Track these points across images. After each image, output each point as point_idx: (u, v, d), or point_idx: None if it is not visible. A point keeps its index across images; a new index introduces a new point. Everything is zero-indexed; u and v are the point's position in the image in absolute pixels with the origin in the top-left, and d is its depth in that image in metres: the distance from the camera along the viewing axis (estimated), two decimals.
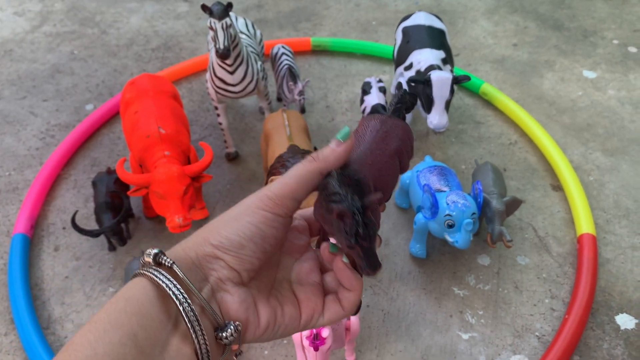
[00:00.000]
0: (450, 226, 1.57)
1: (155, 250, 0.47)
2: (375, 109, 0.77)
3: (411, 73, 1.92)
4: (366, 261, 0.51)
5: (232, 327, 0.47)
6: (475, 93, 2.35)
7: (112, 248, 1.80)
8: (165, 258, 0.46)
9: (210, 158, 1.69)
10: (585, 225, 1.77)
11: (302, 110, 2.13)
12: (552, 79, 2.44)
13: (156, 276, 0.45)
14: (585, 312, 1.56)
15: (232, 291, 0.48)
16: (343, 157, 0.50)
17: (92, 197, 1.91)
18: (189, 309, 0.45)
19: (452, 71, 1.97)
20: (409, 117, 2.09)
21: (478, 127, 2.21)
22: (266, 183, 1.55)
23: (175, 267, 0.45)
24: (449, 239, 1.59)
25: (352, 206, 0.49)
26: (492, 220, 1.65)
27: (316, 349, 1.16)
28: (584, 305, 1.56)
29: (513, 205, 1.70)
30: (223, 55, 1.72)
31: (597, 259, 1.68)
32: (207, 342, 0.45)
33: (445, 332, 1.58)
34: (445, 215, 1.57)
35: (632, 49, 2.59)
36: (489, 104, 2.31)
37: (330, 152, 0.50)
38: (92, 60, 2.65)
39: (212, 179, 2.03)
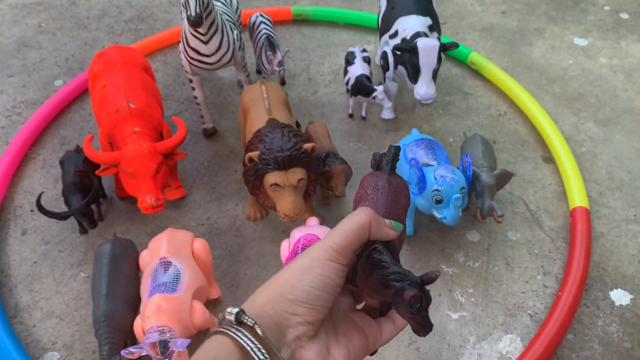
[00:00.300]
0: (439, 202, 1.49)
1: (237, 309, 0.50)
2: (374, 158, 0.77)
3: (396, 41, 1.82)
4: (423, 326, 0.58)
5: None
6: (463, 62, 2.26)
7: (83, 231, 1.70)
8: (247, 317, 0.49)
9: (183, 134, 1.59)
10: (578, 198, 1.70)
11: (282, 82, 2.02)
12: (542, 47, 2.35)
13: (240, 337, 0.48)
14: (579, 289, 1.50)
15: (307, 346, 0.51)
16: (392, 238, 0.57)
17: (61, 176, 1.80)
18: None
19: (439, 39, 1.87)
20: (393, 87, 1.99)
21: (466, 98, 2.12)
22: (244, 160, 1.46)
23: (257, 327, 0.48)
24: (437, 215, 1.52)
25: (416, 285, 0.57)
26: (481, 194, 1.57)
27: None
28: (577, 281, 1.50)
29: (503, 178, 1.62)
30: (195, 23, 1.61)
31: (590, 234, 1.62)
32: None
33: (434, 311, 1.51)
34: (433, 191, 1.49)
35: (624, 15, 2.51)
36: (477, 74, 2.22)
37: (387, 227, 0.57)
38: (61, 33, 2.50)
39: (189, 157, 1.93)
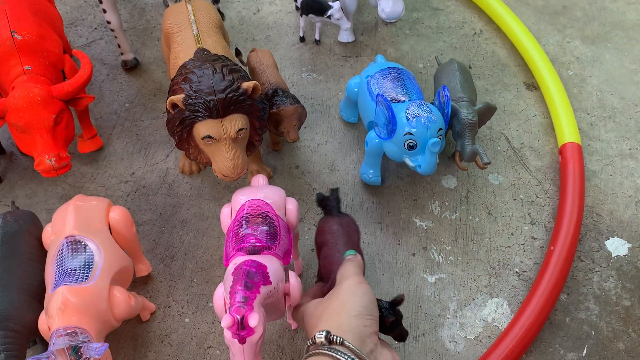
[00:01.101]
0: (412, 147, 1.23)
1: (324, 332, 0.67)
2: (318, 198, 1.16)
3: None
4: (402, 336, 0.90)
5: None
6: None
7: None
8: (335, 336, 0.65)
9: (88, 71, 1.25)
10: (567, 132, 1.47)
11: (216, 0, 1.66)
12: None
13: (337, 353, 0.63)
14: (574, 241, 1.29)
15: (383, 352, 0.71)
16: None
17: None
18: None
19: None
20: (352, 3, 1.66)
21: (436, 15, 1.81)
22: (167, 106, 1.13)
23: (347, 343, 0.64)
24: (410, 163, 1.25)
25: (390, 312, 0.87)
26: (461, 134, 1.31)
27: (242, 340, 0.83)
28: (571, 232, 1.29)
29: (487, 113, 1.36)
30: None
31: (583, 174, 1.40)
32: None
33: (408, 275, 1.29)
34: (405, 134, 1.21)
35: None
36: None
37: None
38: None
39: (106, 97, 1.58)
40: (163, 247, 1.31)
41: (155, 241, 1.32)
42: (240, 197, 1.10)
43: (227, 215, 1.12)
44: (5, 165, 1.45)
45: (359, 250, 1.09)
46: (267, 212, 1.04)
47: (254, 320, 0.81)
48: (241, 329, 0.82)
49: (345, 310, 0.69)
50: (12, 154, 1.47)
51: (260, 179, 1.16)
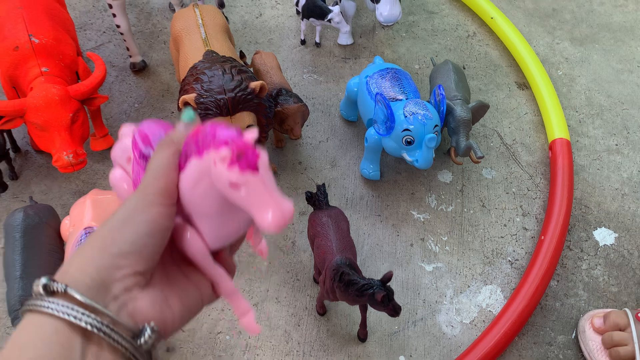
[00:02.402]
0: (409, 143, 1.30)
1: (44, 280, 0.42)
2: (307, 196, 1.25)
3: None
4: (395, 311, 1.01)
5: (147, 330, 0.44)
6: None
7: None
8: (57, 285, 0.42)
9: (102, 73, 1.32)
10: (557, 129, 1.54)
11: (221, 5, 1.73)
12: None
13: (54, 309, 0.41)
14: (563, 231, 1.36)
15: (140, 296, 0.45)
16: (189, 135, 0.49)
17: None
18: (100, 325, 0.41)
19: None
20: (351, 7, 1.73)
21: (431, 18, 1.89)
22: (178, 103, 1.20)
23: (70, 290, 0.42)
24: (408, 157, 1.33)
25: (382, 288, 1.00)
26: (456, 131, 1.38)
27: (254, 166, 0.45)
28: (561, 223, 1.36)
29: (480, 111, 1.44)
30: None
31: (572, 168, 1.47)
32: (129, 349, 0.43)
33: (406, 264, 1.36)
34: (403, 131, 1.29)
35: None
36: None
37: (180, 135, 0.50)
38: None
39: (116, 97, 1.65)
40: None
41: None
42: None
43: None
44: (20, 163, 1.51)
45: (348, 239, 1.17)
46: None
47: (251, 134, 0.47)
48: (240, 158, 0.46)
49: (104, 242, 0.45)
50: (26, 152, 1.53)
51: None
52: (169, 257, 0.51)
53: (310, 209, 1.42)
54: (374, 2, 1.52)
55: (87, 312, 0.41)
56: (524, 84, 1.71)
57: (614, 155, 1.57)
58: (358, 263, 1.33)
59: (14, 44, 1.29)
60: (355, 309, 1.27)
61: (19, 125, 1.26)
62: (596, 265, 1.37)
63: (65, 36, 1.39)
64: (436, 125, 1.30)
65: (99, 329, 0.41)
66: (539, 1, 1.95)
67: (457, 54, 1.78)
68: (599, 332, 1.20)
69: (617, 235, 1.42)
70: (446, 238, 1.40)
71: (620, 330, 1.17)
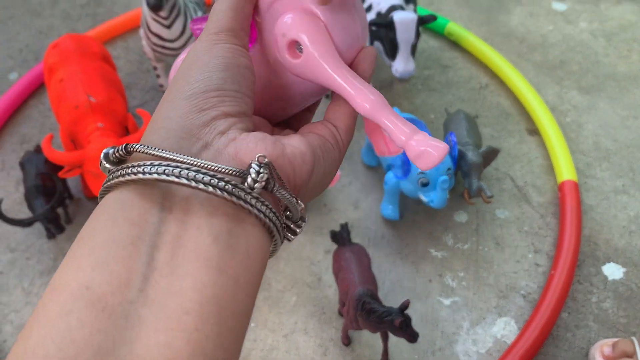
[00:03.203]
0: (425, 184, 1.43)
1: (124, 145, 0.33)
2: (331, 235, 1.42)
3: (371, 16, 1.73)
4: (412, 337, 1.05)
5: (255, 166, 0.32)
6: (440, 34, 2.17)
7: (50, 236, 1.60)
8: (134, 145, 0.32)
9: None
10: (565, 171, 1.65)
11: None
12: (521, 14, 2.27)
13: (117, 174, 0.32)
14: (572, 266, 1.45)
15: (241, 138, 0.35)
16: None
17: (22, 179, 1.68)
18: (184, 170, 0.30)
19: (415, 11, 1.78)
20: None
21: (445, 72, 2.04)
22: None
23: (148, 149, 0.32)
24: (424, 198, 1.45)
25: (400, 315, 1.05)
26: (468, 174, 1.51)
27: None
28: (570, 258, 1.46)
29: (490, 155, 1.56)
30: (154, 6, 1.49)
31: (580, 208, 1.57)
32: (238, 194, 0.32)
33: (426, 298, 1.46)
34: (419, 174, 1.42)
35: None
36: (455, 45, 2.13)
37: None
38: (13, 22, 2.34)
39: None
40: None
41: None
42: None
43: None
44: (74, 209, 1.68)
45: (370, 272, 1.30)
46: None
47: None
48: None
49: (177, 92, 0.36)
50: (79, 199, 1.70)
51: None
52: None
53: (335, 247, 1.54)
54: (390, 59, 1.68)
55: (164, 163, 0.31)
56: (534, 131, 1.83)
57: (620, 196, 1.66)
58: (380, 298, 1.44)
59: (75, 103, 1.48)
60: (378, 340, 1.37)
61: (78, 174, 1.44)
62: (605, 298, 1.45)
63: (116, 95, 1.58)
64: (449, 169, 1.43)
65: (179, 177, 0.30)
66: (547, 54, 2.10)
67: (471, 104, 1.92)
68: (608, 359, 1.28)
69: (625, 270, 1.50)
70: (462, 274, 1.50)
71: (628, 357, 1.24)
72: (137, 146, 0.32)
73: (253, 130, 0.36)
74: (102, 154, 0.33)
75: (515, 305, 1.44)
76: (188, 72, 0.37)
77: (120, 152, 0.32)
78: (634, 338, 1.27)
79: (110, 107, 1.52)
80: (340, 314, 1.43)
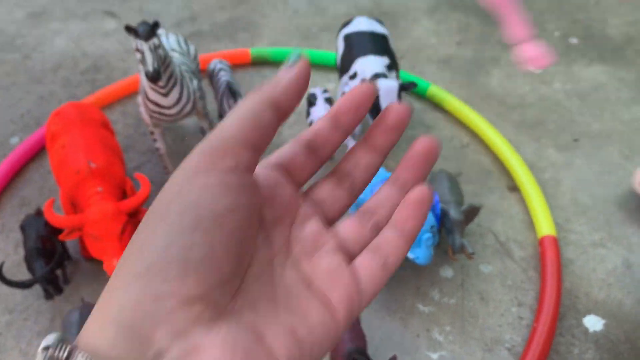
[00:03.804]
0: None
1: (51, 340, 0.26)
2: None
3: (356, 82, 1.84)
4: None
5: None
6: (423, 96, 2.29)
7: (48, 297, 1.64)
8: (63, 348, 0.25)
9: (147, 191, 1.56)
10: (545, 227, 1.73)
11: None
12: (499, 76, 2.40)
13: None
14: (554, 319, 1.51)
15: (205, 342, 0.26)
16: (295, 81, 0.31)
17: (22, 241, 1.74)
18: None
19: (398, 77, 1.90)
20: (357, 127, 2.00)
21: (429, 132, 2.15)
22: None
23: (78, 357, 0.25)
24: (410, 255, 1.52)
25: None
26: (451, 231, 1.58)
27: None
28: (551, 312, 1.51)
29: (471, 213, 1.64)
30: (153, 78, 1.59)
31: (560, 262, 1.64)
32: None
33: (414, 353, 1.50)
34: None
35: (573, 40, 2.59)
36: (437, 106, 2.25)
37: (281, 77, 0.31)
38: (15, 88, 2.45)
39: None
40: None
41: None
42: None
43: None
44: (72, 270, 1.73)
45: (359, 329, 1.36)
46: None
47: None
48: None
49: (130, 255, 0.27)
50: (77, 260, 1.75)
51: None
52: (282, 255, 0.32)
53: None
54: None
55: None
56: (514, 187, 1.92)
57: (599, 249, 1.73)
58: (369, 353, 1.48)
59: (76, 168, 1.56)
60: None
61: (78, 236, 1.50)
62: (587, 349, 1.50)
63: (115, 160, 1.66)
64: (432, 226, 1.50)
65: None
66: (525, 113, 2.21)
67: (453, 162, 2.02)
68: None
69: (605, 321, 1.55)
70: (449, 328, 1.55)
71: None
72: (79, 358, 0.25)
73: (226, 305, 0.28)
74: (41, 345, 0.26)
75: (500, 358, 1.49)
76: (150, 229, 0.27)
77: (62, 354, 0.25)
78: None
79: (109, 172, 1.59)
80: None
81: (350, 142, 1.93)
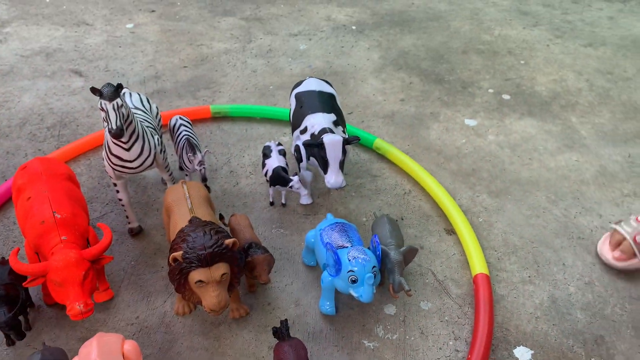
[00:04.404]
0: (354, 281, 1.63)
1: None
2: (274, 330, 1.59)
3: (306, 136, 2.01)
4: None
5: None
6: (369, 148, 2.48)
7: (10, 343, 1.70)
8: None
9: (109, 239, 1.67)
10: (478, 265, 1.90)
11: (204, 180, 2.15)
12: (438, 129, 2.63)
13: None
14: (486, 351, 1.65)
15: None
16: None
17: None
18: None
19: (344, 131, 2.08)
20: (308, 175, 2.17)
21: (375, 180, 2.33)
22: (168, 259, 1.55)
23: None
24: (354, 293, 1.65)
25: None
26: (392, 270, 1.73)
27: None
28: (484, 344, 1.66)
29: (410, 253, 1.80)
30: (116, 135, 1.73)
31: (492, 298, 1.80)
32: None
33: None
34: (348, 272, 1.63)
35: (506, 96, 2.86)
36: (383, 157, 2.44)
37: None
38: None
39: (115, 257, 1.99)
40: None
41: None
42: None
43: None
44: (34, 316, 1.80)
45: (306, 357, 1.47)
46: None
47: None
48: None
49: None
50: (39, 306, 1.83)
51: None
52: None
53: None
54: (323, 172, 1.95)
55: None
56: (451, 230, 2.10)
57: (527, 285, 1.91)
58: None
59: (41, 218, 1.66)
60: None
61: (41, 283, 1.58)
62: None
63: (80, 211, 1.77)
64: (374, 267, 1.65)
65: None
66: (461, 163, 2.42)
67: (396, 208, 2.19)
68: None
69: (533, 352, 1.71)
70: None
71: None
72: None
73: None
74: None
75: None
76: None
77: None
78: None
79: (73, 222, 1.70)
80: None
81: (302, 191, 2.09)
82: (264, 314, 1.81)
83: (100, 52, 3.27)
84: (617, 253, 1.94)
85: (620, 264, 1.93)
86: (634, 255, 1.90)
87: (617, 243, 1.94)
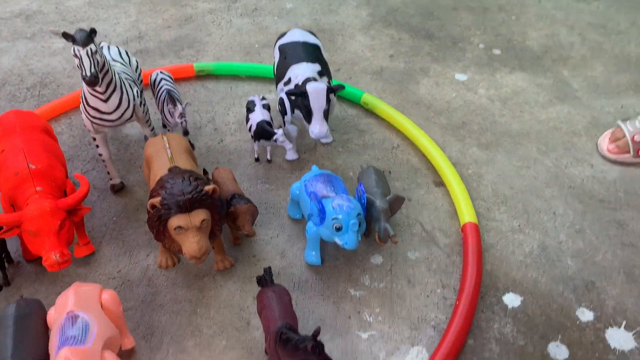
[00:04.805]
0: (338, 229, 1.59)
1: None
2: (257, 279, 1.54)
3: (290, 87, 1.96)
4: None
5: None
6: (357, 103, 2.43)
7: None
8: None
9: (86, 189, 1.63)
10: (467, 215, 1.86)
11: (186, 133, 2.10)
12: (428, 85, 2.57)
13: None
14: (474, 297, 1.62)
15: None
16: None
17: None
18: None
19: (329, 82, 2.03)
20: (293, 130, 2.11)
21: (362, 135, 2.28)
22: (147, 206, 1.50)
23: None
24: (339, 241, 1.62)
25: (312, 340, 1.23)
26: (378, 219, 1.69)
27: None
28: (472, 290, 1.63)
29: (396, 202, 1.76)
30: (91, 82, 1.67)
31: (480, 245, 1.77)
32: None
33: (345, 334, 1.59)
34: (333, 219, 1.59)
35: (497, 51, 2.80)
36: (370, 112, 2.39)
37: None
38: None
39: (97, 213, 1.95)
40: (144, 326, 1.60)
41: (138, 322, 1.62)
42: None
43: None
44: (13, 272, 1.76)
45: (290, 309, 1.43)
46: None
47: None
48: None
49: None
50: (18, 262, 1.79)
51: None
52: None
53: None
54: (307, 123, 1.90)
55: None
56: (440, 182, 2.06)
57: (517, 234, 1.87)
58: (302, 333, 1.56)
59: (15, 170, 1.61)
60: None
61: (17, 234, 1.54)
62: (506, 324, 1.61)
63: (56, 163, 1.71)
64: (359, 213, 1.61)
65: None
66: (451, 117, 2.37)
67: (384, 162, 2.14)
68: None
69: (522, 298, 1.68)
70: (378, 310, 1.65)
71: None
72: None
73: None
74: None
75: (426, 335, 1.59)
76: None
77: None
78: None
79: (49, 173, 1.65)
80: (267, 352, 1.54)
81: (287, 145, 2.04)
82: (249, 265, 1.77)
83: (82, 14, 3.19)
84: (612, 146, 2.10)
85: (612, 156, 2.12)
86: (627, 151, 2.09)
87: (616, 139, 2.08)
